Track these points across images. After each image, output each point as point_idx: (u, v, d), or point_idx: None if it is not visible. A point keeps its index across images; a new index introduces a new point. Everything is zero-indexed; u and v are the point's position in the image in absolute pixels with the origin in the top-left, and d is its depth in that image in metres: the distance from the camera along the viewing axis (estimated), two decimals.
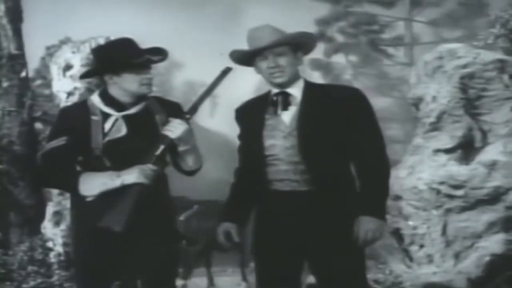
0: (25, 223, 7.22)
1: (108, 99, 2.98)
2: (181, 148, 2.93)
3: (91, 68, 3.13)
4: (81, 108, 3.02)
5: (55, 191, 7.05)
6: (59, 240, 6.95)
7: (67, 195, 7.36)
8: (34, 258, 6.66)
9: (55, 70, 7.68)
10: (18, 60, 7.49)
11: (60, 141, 2.91)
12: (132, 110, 2.97)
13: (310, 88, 2.98)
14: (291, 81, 2.94)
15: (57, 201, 7.05)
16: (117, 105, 2.97)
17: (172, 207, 3.12)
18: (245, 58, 3.00)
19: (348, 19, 19.05)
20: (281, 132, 2.91)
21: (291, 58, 2.93)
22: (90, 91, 7.46)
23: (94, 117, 2.95)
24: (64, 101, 7.49)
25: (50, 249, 6.90)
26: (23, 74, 7.52)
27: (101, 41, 7.99)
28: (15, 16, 7.52)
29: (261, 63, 2.94)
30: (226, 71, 3.03)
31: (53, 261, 6.81)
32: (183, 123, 2.91)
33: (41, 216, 7.19)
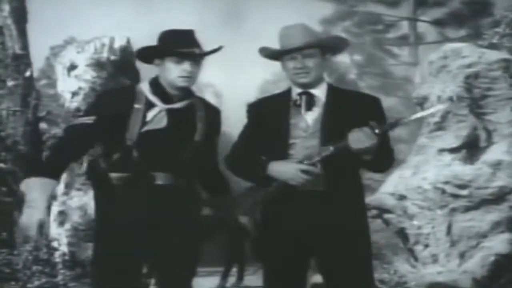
0: None
1: (156, 88, 2.94)
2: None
3: (143, 47, 3.07)
4: (127, 93, 2.97)
5: (59, 191, 7.06)
6: (64, 240, 6.96)
7: (72, 194, 7.39)
8: (38, 258, 6.67)
9: (59, 70, 7.70)
10: (22, 60, 7.51)
11: (89, 119, 2.88)
12: (178, 105, 2.93)
13: (333, 91, 2.98)
14: (315, 83, 2.94)
15: (61, 201, 7.07)
16: (164, 96, 2.93)
17: (200, 206, 3.09)
18: (274, 55, 3.00)
19: (352, 18, 19.04)
20: (303, 132, 2.90)
21: (319, 60, 2.93)
22: (94, 90, 7.47)
23: (136, 105, 2.90)
24: (68, 100, 7.50)
25: (55, 249, 6.91)
26: (28, 74, 7.53)
27: (106, 41, 8.01)
28: (20, 16, 7.53)
29: (288, 62, 2.94)
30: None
31: (58, 260, 6.82)
32: (373, 137, 2.75)
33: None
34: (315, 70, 2.94)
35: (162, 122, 2.91)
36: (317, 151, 2.86)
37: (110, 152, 2.88)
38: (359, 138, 2.76)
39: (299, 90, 2.98)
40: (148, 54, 3.00)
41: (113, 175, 2.86)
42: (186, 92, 2.98)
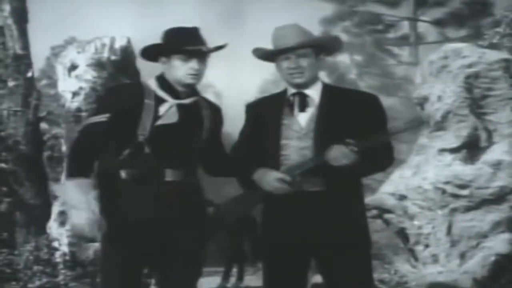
0: (30, 223, 7.25)
1: (164, 84, 2.94)
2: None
3: (149, 45, 3.08)
4: (135, 89, 2.97)
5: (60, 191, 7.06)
6: (65, 240, 6.96)
7: None
8: (39, 258, 6.68)
9: (60, 70, 7.70)
10: (23, 60, 7.52)
11: (102, 117, 2.86)
12: (187, 101, 2.94)
13: (328, 90, 2.97)
14: (309, 83, 2.93)
15: (62, 201, 7.07)
16: (172, 92, 2.93)
17: (205, 207, 3.09)
18: (267, 55, 3.00)
19: (352, 18, 19.06)
20: (295, 133, 2.89)
21: (313, 60, 2.93)
22: (95, 91, 7.47)
23: (147, 101, 2.89)
24: (69, 101, 7.50)
25: (56, 249, 6.91)
26: (29, 74, 7.55)
27: (106, 41, 8.01)
28: (21, 16, 7.55)
29: (282, 62, 2.93)
30: (418, 123, 2.87)
31: (59, 260, 6.83)
32: (350, 155, 2.76)
33: (46, 216, 7.21)
34: (309, 70, 2.93)
35: (174, 117, 2.92)
36: (297, 164, 2.87)
37: (120, 149, 2.89)
38: (336, 156, 2.77)
39: (293, 91, 2.98)
40: (154, 52, 3.00)
41: (123, 171, 2.87)
42: (192, 89, 2.99)
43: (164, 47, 2.95)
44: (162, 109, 2.91)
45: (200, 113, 3.00)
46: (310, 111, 2.93)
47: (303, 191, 2.87)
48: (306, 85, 2.95)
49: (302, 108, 2.94)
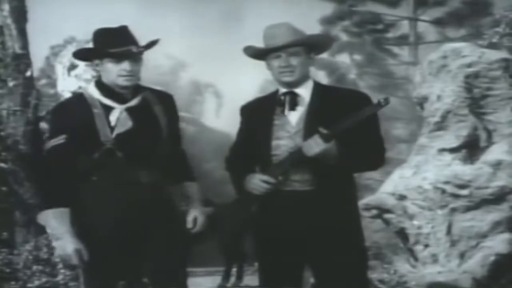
0: (30, 223, 7.23)
1: (105, 90, 2.88)
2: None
3: (79, 50, 3.03)
4: (79, 101, 2.91)
5: None
6: None
7: None
8: (39, 258, 6.67)
9: (60, 70, 7.70)
10: (23, 59, 7.51)
11: (59, 140, 2.83)
12: (134, 102, 2.90)
13: (319, 89, 2.98)
14: (300, 81, 2.95)
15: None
16: (116, 96, 2.88)
17: (177, 207, 3.08)
18: (258, 54, 3.00)
19: (352, 18, 18.99)
20: (286, 132, 2.91)
21: (303, 58, 2.95)
22: None
23: (95, 110, 2.85)
24: None
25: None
26: (28, 73, 7.53)
27: None
28: (20, 15, 7.54)
29: (273, 61, 2.95)
30: (381, 104, 2.85)
31: (58, 260, 6.81)
32: (321, 143, 2.74)
33: None
34: (300, 69, 2.95)
35: (128, 123, 2.87)
36: (279, 162, 2.88)
37: (89, 156, 2.85)
38: (309, 145, 2.78)
39: (284, 90, 2.99)
40: (86, 55, 2.97)
41: (94, 175, 2.84)
42: (135, 88, 2.94)
43: (93, 50, 2.90)
44: (113, 118, 2.86)
45: (153, 111, 2.96)
46: (300, 110, 2.96)
47: (293, 191, 2.88)
48: (297, 83, 2.96)
49: (292, 107, 2.96)
